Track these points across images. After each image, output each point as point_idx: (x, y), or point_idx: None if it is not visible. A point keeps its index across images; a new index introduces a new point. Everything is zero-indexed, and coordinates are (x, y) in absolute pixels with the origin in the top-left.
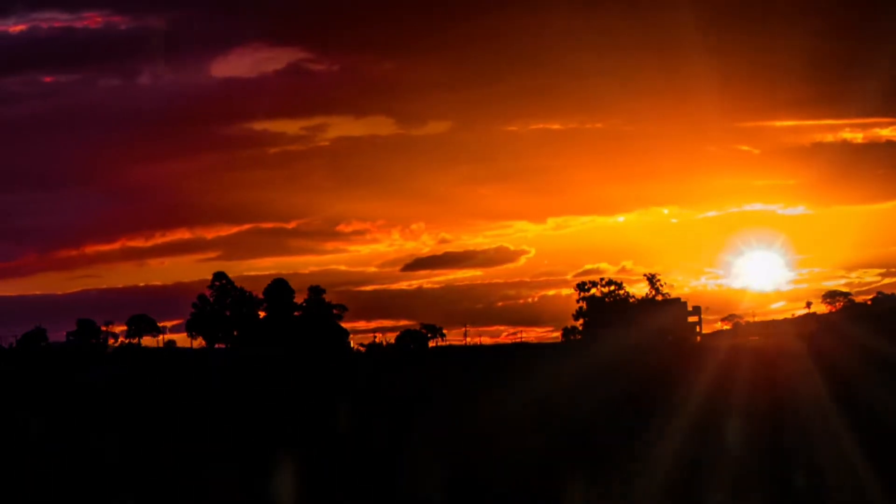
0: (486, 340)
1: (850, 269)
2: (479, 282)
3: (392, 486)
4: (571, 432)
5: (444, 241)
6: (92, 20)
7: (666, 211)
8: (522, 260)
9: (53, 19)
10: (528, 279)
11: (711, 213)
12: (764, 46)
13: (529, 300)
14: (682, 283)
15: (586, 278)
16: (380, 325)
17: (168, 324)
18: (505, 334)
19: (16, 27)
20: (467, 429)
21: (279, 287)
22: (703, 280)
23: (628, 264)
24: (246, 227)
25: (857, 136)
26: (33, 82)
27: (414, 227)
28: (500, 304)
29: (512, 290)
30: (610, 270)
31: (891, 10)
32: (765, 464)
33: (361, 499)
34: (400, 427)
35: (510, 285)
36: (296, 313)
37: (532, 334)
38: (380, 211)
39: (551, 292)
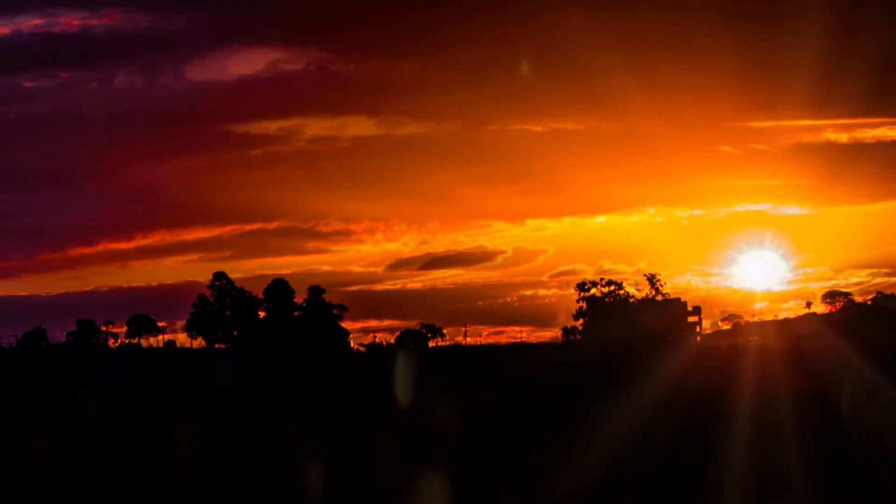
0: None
1: (848, 269)
2: (460, 281)
3: (393, 487)
4: (572, 431)
5: (425, 241)
6: (110, 17)
7: (651, 210)
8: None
9: (69, 16)
10: (505, 279)
11: (697, 212)
12: (771, 47)
13: (508, 300)
14: (687, 284)
15: (562, 279)
16: (365, 325)
17: (165, 324)
18: (486, 333)
19: (29, 24)
20: (468, 428)
21: (279, 287)
22: (687, 276)
23: (606, 264)
24: (228, 228)
25: (866, 136)
26: (47, 79)
27: (396, 227)
28: (479, 303)
29: (491, 290)
30: (587, 271)
31: (882, 10)
32: (765, 462)
33: (362, 499)
34: (402, 427)
35: (490, 285)
36: (296, 313)
37: (534, 335)
38: (362, 211)
39: (528, 292)
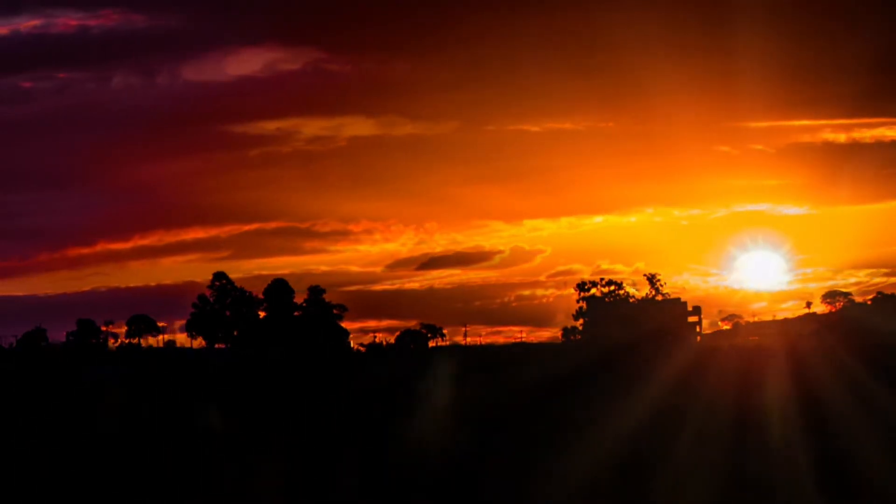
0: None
1: (848, 269)
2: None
3: (389, 485)
4: (570, 430)
5: (423, 241)
6: (107, 18)
7: (650, 210)
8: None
9: (66, 17)
10: (503, 279)
11: (695, 212)
12: (769, 47)
13: (505, 300)
14: (685, 283)
15: (560, 279)
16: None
17: (165, 324)
18: (485, 333)
19: (27, 24)
20: (466, 428)
21: (279, 287)
22: (685, 275)
23: (604, 264)
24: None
25: (866, 136)
26: (45, 80)
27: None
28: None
29: (489, 290)
30: (585, 271)
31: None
32: (759, 461)
33: (359, 498)
34: (399, 426)
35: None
36: (296, 313)
37: (534, 334)
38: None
39: (526, 292)
